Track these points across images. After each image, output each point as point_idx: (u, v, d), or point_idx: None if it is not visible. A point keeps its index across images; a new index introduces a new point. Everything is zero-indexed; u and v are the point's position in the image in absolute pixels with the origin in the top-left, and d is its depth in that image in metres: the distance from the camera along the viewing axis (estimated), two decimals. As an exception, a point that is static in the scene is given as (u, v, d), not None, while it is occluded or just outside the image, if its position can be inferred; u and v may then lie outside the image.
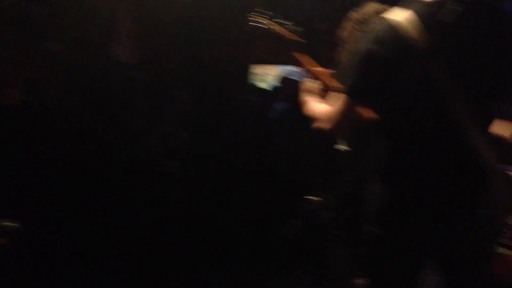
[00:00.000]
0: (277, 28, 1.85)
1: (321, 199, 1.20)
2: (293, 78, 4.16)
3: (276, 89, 4.64)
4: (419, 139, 1.52)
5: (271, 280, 3.28)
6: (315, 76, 1.87)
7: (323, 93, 1.81)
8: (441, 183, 1.54)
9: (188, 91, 4.01)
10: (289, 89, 4.10)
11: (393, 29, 1.43)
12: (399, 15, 1.46)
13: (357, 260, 1.69)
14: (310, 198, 1.20)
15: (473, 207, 1.57)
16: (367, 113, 1.56)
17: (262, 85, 4.94)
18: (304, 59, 1.93)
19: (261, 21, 1.82)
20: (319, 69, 1.89)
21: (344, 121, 1.52)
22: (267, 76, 4.95)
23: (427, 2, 1.46)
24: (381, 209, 1.59)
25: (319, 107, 1.71)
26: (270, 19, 1.85)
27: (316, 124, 1.61)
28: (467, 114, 1.45)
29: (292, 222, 1.23)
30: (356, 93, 1.49)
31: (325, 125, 1.56)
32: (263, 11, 1.85)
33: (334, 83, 1.83)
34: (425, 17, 1.43)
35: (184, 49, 3.88)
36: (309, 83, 1.83)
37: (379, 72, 1.44)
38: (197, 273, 3.37)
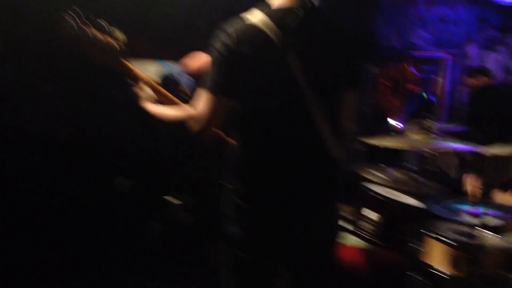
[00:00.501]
0: (90, 32, 1.69)
1: (181, 201, 1.16)
2: (173, 75, 4.06)
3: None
4: (276, 134, 1.59)
5: (133, 283, 3.21)
6: (144, 83, 1.79)
7: (159, 100, 1.77)
8: (298, 178, 1.60)
9: (57, 85, 3.73)
10: (167, 87, 4.00)
11: (251, 28, 1.52)
12: (255, 17, 1.56)
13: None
14: (170, 200, 1.15)
15: (328, 201, 1.68)
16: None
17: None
18: (127, 65, 1.82)
19: (71, 24, 1.65)
20: (143, 76, 1.83)
21: (213, 118, 1.53)
22: (146, 71, 4.79)
23: (277, 8, 1.58)
24: (238, 208, 1.61)
25: (175, 112, 1.68)
26: (83, 21, 1.68)
27: (191, 127, 1.58)
28: (318, 108, 1.57)
29: (153, 225, 1.16)
30: (218, 88, 1.52)
31: (196, 126, 1.54)
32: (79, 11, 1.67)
33: (161, 91, 1.80)
34: (276, 20, 1.54)
35: (51, 39, 3.59)
36: (145, 91, 1.76)
37: (239, 67, 1.50)
38: (56, 274, 3.24)
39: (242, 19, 1.56)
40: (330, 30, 1.65)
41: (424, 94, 6.60)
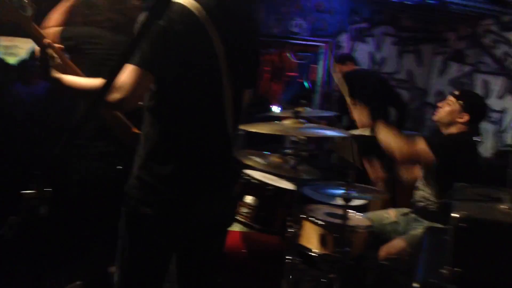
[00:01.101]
0: None
1: (40, 192, 1.06)
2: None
3: (25, 64, 4.15)
4: (192, 116, 1.60)
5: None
6: (54, 50, 1.65)
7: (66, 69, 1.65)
8: (209, 163, 1.65)
9: None
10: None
11: (182, 9, 1.53)
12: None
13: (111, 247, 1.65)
14: (27, 192, 1.05)
15: (229, 187, 1.77)
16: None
17: (9, 59, 4.36)
18: (37, 28, 1.69)
19: None
20: (52, 42, 1.68)
21: (135, 92, 1.49)
22: (17, 49, 4.40)
23: None
24: (150, 188, 1.60)
25: (91, 81, 1.59)
26: None
27: (108, 97, 1.49)
28: (230, 96, 1.63)
29: (9, 219, 1.05)
30: (146, 63, 1.49)
31: (116, 96, 1.47)
32: None
33: (68, 61, 1.70)
34: (203, 5, 1.56)
35: None
36: (55, 58, 1.63)
37: (169, 45, 1.50)
38: None
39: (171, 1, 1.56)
40: (246, 21, 1.72)
41: (302, 81, 6.89)
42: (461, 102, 2.74)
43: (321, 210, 2.84)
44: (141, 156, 1.63)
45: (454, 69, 5.93)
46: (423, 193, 2.80)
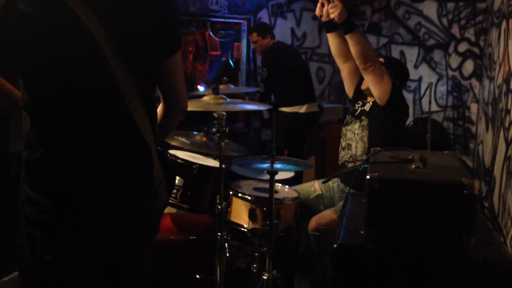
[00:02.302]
0: None
1: None
2: None
3: None
4: (71, 109, 1.38)
5: None
6: None
7: None
8: (99, 166, 1.42)
9: None
10: None
11: None
12: None
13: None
14: None
15: (140, 192, 1.51)
16: None
17: None
18: None
19: None
20: None
21: None
22: None
23: None
24: (32, 203, 1.40)
25: None
26: None
27: None
28: (125, 79, 1.39)
29: None
30: None
31: None
32: None
33: None
34: None
35: None
36: None
37: (12, 30, 1.30)
38: None
39: None
40: None
41: (227, 59, 6.86)
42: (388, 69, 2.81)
43: (250, 185, 2.86)
44: (23, 165, 1.42)
45: (372, 41, 6.12)
46: (354, 151, 2.83)
